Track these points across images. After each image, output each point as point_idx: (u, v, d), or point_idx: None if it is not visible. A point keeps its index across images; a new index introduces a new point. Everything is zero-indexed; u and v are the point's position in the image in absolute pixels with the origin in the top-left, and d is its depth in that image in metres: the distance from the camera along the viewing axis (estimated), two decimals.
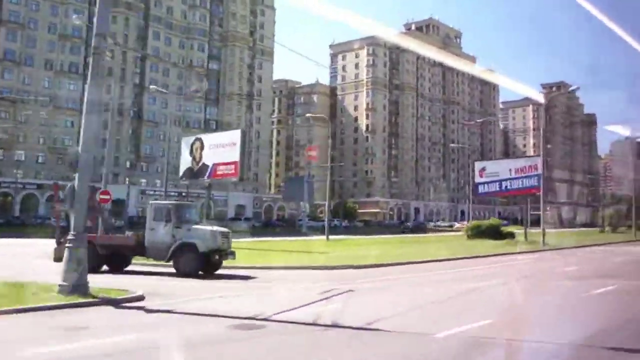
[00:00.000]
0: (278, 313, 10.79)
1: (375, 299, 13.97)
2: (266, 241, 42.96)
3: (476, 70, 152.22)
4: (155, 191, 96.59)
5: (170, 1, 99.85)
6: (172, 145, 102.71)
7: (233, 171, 32.36)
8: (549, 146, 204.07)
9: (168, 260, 18.61)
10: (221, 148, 32.88)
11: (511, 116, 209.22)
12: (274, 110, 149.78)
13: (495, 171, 42.35)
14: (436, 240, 46.19)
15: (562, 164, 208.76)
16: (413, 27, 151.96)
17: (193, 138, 35.91)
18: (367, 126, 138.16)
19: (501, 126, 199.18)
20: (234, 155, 32.18)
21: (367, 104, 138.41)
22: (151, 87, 75.46)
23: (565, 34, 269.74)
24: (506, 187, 41.51)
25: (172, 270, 18.71)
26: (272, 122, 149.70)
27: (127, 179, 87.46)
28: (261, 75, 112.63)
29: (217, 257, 18.71)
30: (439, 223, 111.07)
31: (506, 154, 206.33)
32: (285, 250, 32.01)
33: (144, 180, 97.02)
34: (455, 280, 18.34)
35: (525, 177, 40.73)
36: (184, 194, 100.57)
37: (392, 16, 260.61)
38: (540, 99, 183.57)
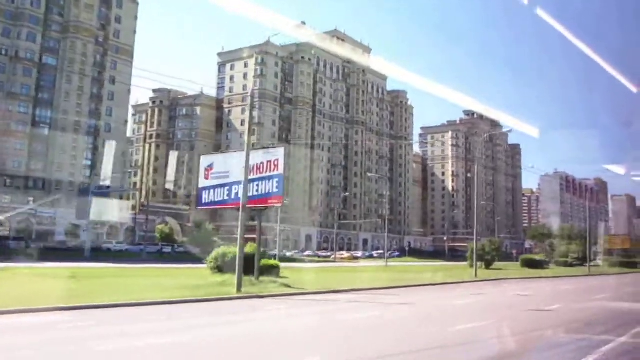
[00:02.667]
0: None
1: None
2: None
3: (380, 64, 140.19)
4: None
5: None
6: None
7: None
8: (469, 175, 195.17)
9: None
10: None
11: (430, 143, 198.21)
12: (152, 123, 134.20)
13: (226, 170, 27.68)
14: (155, 275, 31.20)
15: (482, 195, 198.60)
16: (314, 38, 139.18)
17: None
18: (254, 143, 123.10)
19: (415, 151, 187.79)
20: None
21: (254, 118, 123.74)
22: None
23: (491, 64, 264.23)
24: (237, 194, 26.97)
25: None
26: (151, 135, 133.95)
27: None
28: (115, 76, 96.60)
29: None
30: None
31: (424, 181, 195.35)
32: None
33: None
34: None
35: (263, 178, 26.31)
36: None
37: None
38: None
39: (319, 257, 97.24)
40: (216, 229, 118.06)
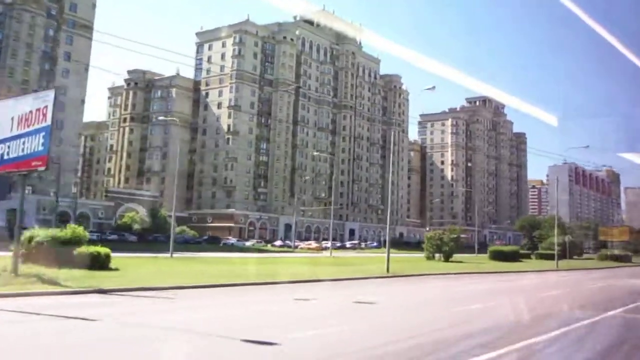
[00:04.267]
0: None
1: None
2: None
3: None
4: None
5: None
6: None
7: None
8: (469, 164, 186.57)
9: None
10: None
11: (429, 130, 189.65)
12: (127, 105, 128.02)
13: None
14: None
15: (483, 185, 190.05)
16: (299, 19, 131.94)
17: None
18: (229, 126, 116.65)
19: (414, 139, 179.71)
20: None
21: (231, 101, 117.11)
22: None
23: (493, 49, 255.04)
24: (3, 155, 20.29)
25: None
26: (125, 118, 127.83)
27: None
28: (71, 52, 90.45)
29: None
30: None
31: (422, 170, 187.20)
32: None
33: None
34: None
35: (30, 133, 19.54)
36: None
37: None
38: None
39: (287, 247, 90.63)
40: (189, 217, 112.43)
